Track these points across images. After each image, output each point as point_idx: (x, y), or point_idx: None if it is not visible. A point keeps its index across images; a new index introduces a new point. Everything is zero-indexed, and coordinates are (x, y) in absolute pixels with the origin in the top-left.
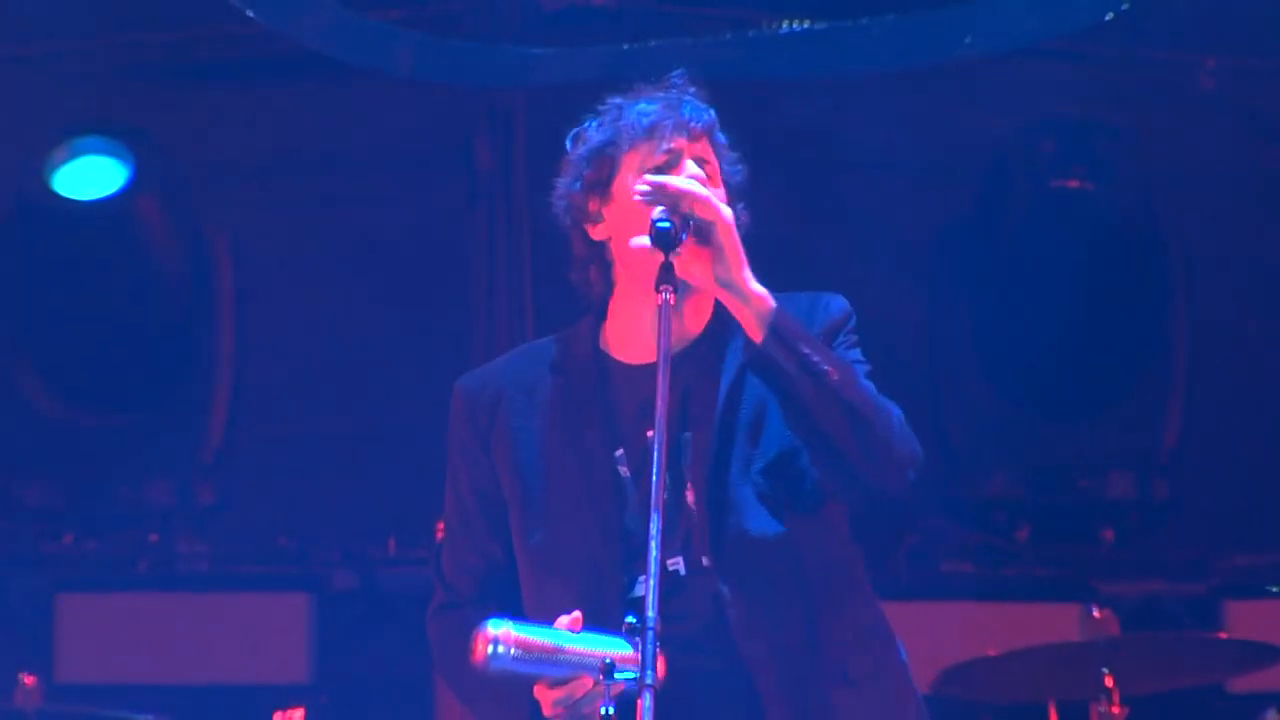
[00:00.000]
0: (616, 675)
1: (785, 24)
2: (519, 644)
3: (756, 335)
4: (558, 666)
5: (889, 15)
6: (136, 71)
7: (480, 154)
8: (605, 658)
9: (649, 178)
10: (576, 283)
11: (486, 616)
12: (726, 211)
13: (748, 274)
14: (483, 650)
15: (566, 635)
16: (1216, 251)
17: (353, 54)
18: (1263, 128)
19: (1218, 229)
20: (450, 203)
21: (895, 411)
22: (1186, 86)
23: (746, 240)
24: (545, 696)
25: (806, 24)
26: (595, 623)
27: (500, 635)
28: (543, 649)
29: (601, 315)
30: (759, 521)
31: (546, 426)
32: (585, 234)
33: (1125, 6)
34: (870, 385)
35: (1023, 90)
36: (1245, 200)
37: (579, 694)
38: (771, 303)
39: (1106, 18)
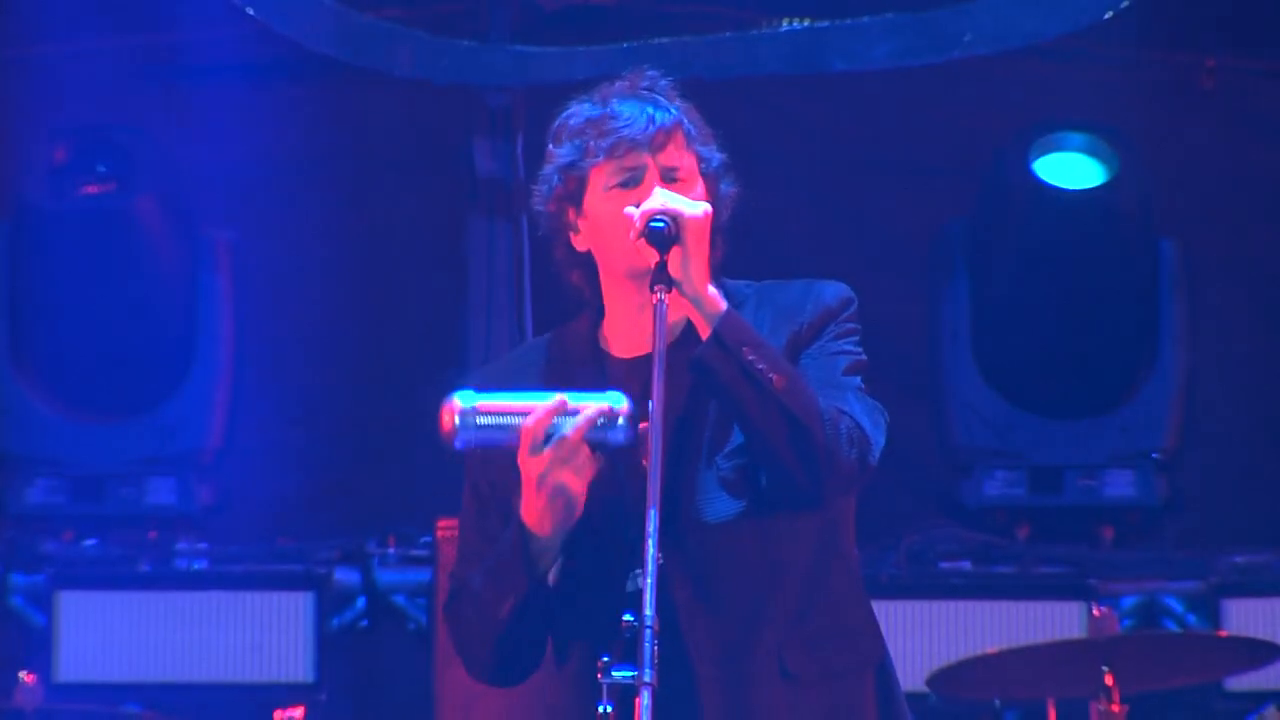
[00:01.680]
0: (615, 674)
1: (785, 24)
2: (483, 408)
3: (704, 336)
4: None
5: (889, 15)
6: (136, 71)
7: (480, 154)
8: (592, 409)
9: (630, 213)
10: (566, 284)
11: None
12: (690, 210)
13: (703, 274)
14: (449, 421)
15: (537, 393)
16: (1216, 251)
17: (352, 54)
18: (1263, 128)
19: (1218, 229)
20: (450, 203)
21: (851, 419)
22: (1186, 86)
23: (734, 220)
24: (525, 455)
25: (806, 24)
26: (592, 616)
27: (462, 402)
28: (511, 406)
29: (598, 311)
30: (713, 506)
31: None
32: (567, 241)
33: (1125, 6)
34: (849, 381)
35: (1023, 90)
36: (1245, 200)
37: (542, 420)
38: (721, 305)
39: (1106, 18)
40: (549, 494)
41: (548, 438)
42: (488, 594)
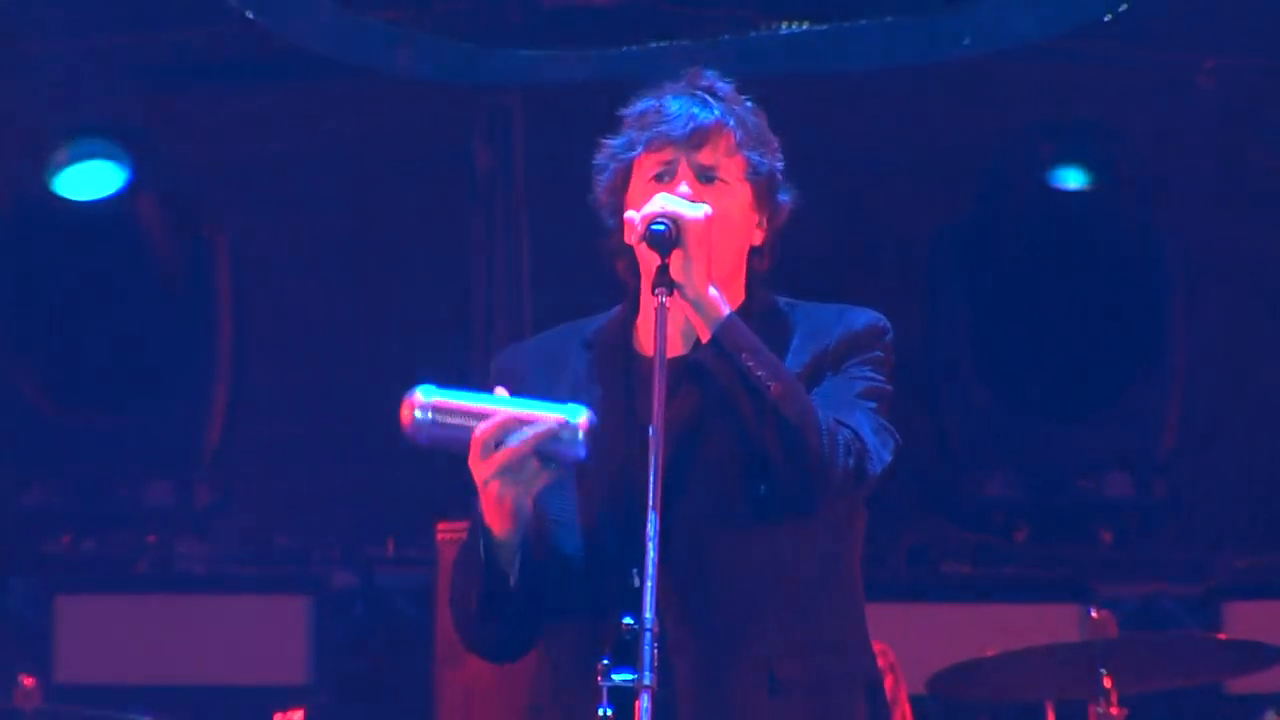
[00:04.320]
0: (615, 677)
1: (784, 24)
2: (441, 405)
3: (705, 339)
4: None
5: (888, 15)
6: (137, 71)
7: (479, 154)
8: (553, 420)
9: (631, 217)
10: (617, 275)
11: None
12: (691, 213)
13: (704, 278)
14: (408, 415)
15: (500, 398)
16: (1216, 251)
17: (352, 54)
18: (1263, 128)
19: (1217, 229)
20: (450, 203)
21: (851, 431)
22: (1186, 86)
23: (782, 234)
24: (473, 460)
25: (806, 24)
26: (592, 616)
27: (423, 397)
28: (472, 408)
29: (634, 305)
30: (712, 516)
31: (570, 394)
32: (620, 233)
33: (1125, 6)
34: (861, 402)
35: (1023, 90)
36: (1245, 200)
37: (492, 431)
38: (723, 310)
39: (1106, 18)
40: (494, 500)
41: (499, 445)
42: (459, 584)
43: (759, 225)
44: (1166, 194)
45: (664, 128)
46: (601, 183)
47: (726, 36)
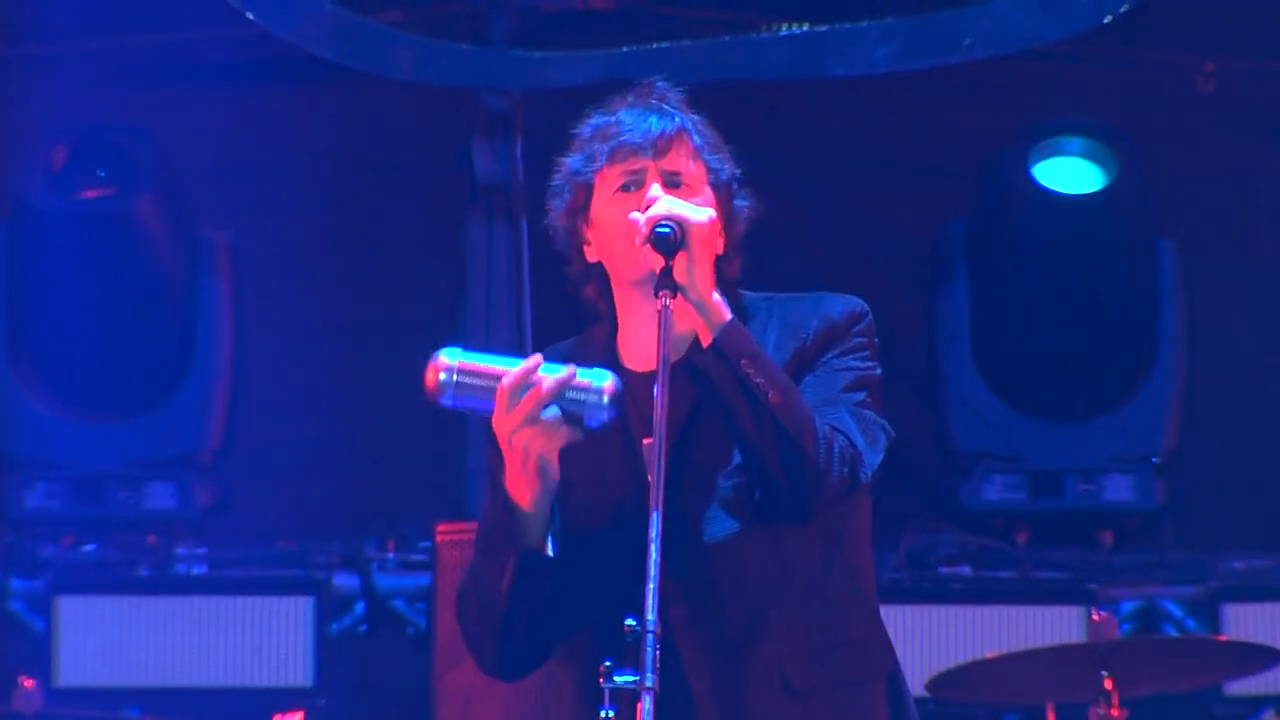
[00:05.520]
0: (617, 679)
1: (784, 26)
2: (466, 367)
3: (706, 343)
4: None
5: (888, 19)
6: (136, 71)
7: (479, 157)
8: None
9: (635, 218)
10: (581, 299)
11: None
12: (695, 216)
13: (707, 281)
14: (433, 378)
15: (524, 359)
16: (1216, 251)
17: (352, 56)
18: (1263, 128)
19: (1218, 229)
20: (449, 204)
21: (845, 438)
22: (1186, 87)
23: (748, 235)
24: (498, 415)
25: (806, 28)
26: (594, 621)
27: (448, 360)
28: (495, 369)
29: (613, 322)
30: (711, 525)
31: None
32: (581, 255)
33: (1125, 7)
34: (848, 397)
35: (1023, 90)
36: (1245, 200)
37: (518, 379)
38: (725, 314)
39: (1106, 19)
40: (520, 457)
41: (524, 392)
42: (486, 571)
43: (719, 232)
44: (1166, 194)
45: (626, 137)
46: (559, 205)
47: (726, 39)
